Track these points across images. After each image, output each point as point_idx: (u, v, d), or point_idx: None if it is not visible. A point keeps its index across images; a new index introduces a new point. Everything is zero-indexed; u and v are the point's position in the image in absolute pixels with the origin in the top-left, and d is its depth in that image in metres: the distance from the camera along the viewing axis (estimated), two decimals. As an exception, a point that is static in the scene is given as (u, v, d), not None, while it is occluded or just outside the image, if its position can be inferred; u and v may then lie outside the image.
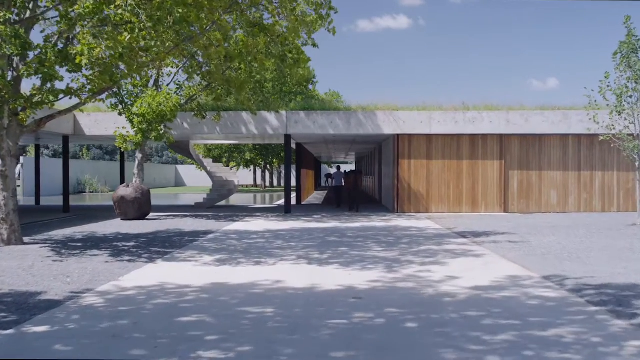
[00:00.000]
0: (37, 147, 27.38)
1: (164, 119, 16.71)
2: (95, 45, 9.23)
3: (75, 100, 11.90)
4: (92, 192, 44.10)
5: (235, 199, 34.64)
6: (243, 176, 60.58)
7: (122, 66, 10.74)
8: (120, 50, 8.90)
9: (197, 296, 6.82)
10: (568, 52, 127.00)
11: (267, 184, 58.19)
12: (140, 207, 17.44)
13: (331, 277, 7.96)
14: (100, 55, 9.27)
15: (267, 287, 7.34)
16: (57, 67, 10.22)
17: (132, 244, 11.68)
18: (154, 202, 29.02)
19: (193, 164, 42.99)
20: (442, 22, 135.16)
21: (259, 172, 58.95)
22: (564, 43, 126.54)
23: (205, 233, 13.78)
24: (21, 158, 37.84)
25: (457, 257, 9.87)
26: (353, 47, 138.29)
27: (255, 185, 58.20)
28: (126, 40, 8.94)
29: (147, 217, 17.94)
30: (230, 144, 44.91)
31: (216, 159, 45.60)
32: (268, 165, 55.04)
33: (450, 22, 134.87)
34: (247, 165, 50.94)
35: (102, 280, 7.76)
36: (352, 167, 59.16)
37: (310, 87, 44.55)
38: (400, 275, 8.07)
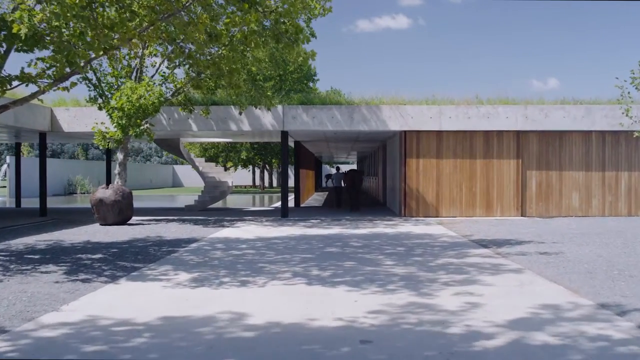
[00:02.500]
0: (18, 145, 25.68)
1: (146, 113, 15.02)
2: (38, 12, 7.50)
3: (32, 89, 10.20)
4: (83, 193, 42.40)
5: (232, 201, 32.94)
6: (242, 177, 58.95)
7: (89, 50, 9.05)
8: (71, 18, 7.15)
9: (147, 340, 5.08)
10: (568, 52, 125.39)
11: (267, 184, 56.46)
12: (120, 211, 15.72)
13: (333, 306, 6.25)
14: (44, 22, 7.49)
15: (248, 324, 5.61)
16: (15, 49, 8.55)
17: (98, 256, 9.97)
18: (144, 203, 27.42)
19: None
20: (442, 22, 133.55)
21: (257, 172, 57.21)
22: (563, 43, 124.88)
23: (189, 242, 12.08)
24: (7, 157, 36.19)
25: (482, 274, 8.14)
26: (353, 47, 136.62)
27: (254, 185, 56.47)
28: (76, 2, 7.20)
29: (129, 222, 16.22)
30: (227, 143, 43.16)
31: (212, 159, 43.89)
32: (267, 165, 53.30)
33: (450, 22, 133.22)
34: (245, 165, 49.19)
35: (38, 311, 6.04)
36: (354, 166, 57.48)
37: (311, 84, 42.86)
38: (418, 301, 6.36)
